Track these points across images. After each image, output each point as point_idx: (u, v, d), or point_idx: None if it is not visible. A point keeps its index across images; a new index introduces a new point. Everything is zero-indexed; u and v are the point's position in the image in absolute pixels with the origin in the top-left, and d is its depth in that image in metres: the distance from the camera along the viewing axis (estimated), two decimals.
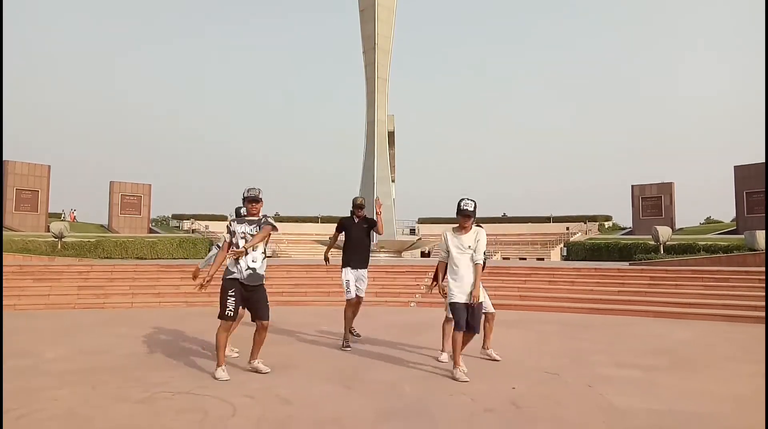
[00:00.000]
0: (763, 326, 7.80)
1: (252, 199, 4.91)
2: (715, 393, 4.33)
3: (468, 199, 4.82)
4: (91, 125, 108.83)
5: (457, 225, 4.90)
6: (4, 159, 33.39)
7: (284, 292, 11.43)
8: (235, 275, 4.77)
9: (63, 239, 24.31)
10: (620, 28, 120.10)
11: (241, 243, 4.80)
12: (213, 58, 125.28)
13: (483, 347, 5.81)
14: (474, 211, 4.79)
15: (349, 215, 6.67)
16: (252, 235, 4.83)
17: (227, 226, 5.04)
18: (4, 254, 15.05)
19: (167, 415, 3.66)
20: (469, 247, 4.78)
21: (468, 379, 4.62)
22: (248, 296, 4.83)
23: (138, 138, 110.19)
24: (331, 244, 6.92)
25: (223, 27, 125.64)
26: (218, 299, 4.81)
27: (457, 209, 4.81)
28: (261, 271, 4.88)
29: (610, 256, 25.06)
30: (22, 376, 4.70)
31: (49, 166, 36.25)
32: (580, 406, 3.94)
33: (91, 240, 26.62)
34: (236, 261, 4.75)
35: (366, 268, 6.60)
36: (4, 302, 9.45)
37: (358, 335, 6.86)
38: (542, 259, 33.24)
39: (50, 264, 13.98)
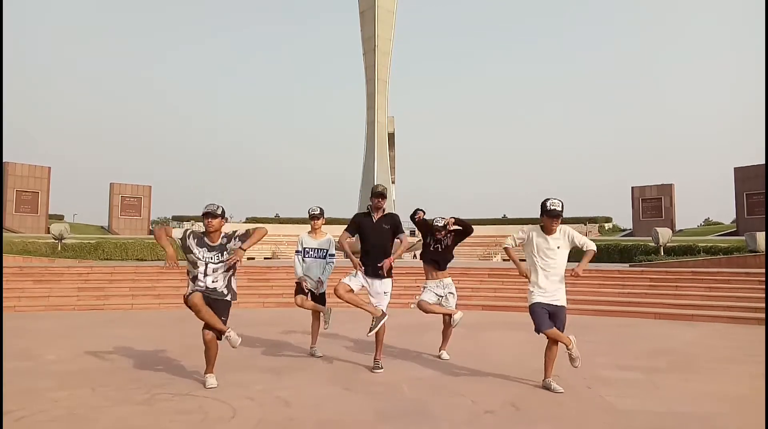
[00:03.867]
0: (763, 327, 7.79)
1: (209, 214, 4.50)
2: (716, 394, 4.33)
3: (555, 199, 4.44)
4: (91, 127, 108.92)
5: (542, 226, 4.57)
6: (4, 160, 33.41)
7: (284, 293, 11.41)
8: (198, 287, 4.48)
9: (63, 241, 24.31)
10: (621, 31, 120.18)
11: (201, 269, 4.47)
12: (214, 60, 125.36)
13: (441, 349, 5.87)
14: (562, 211, 4.42)
15: (366, 211, 5.27)
16: (219, 262, 4.51)
17: (182, 238, 4.62)
18: (4, 256, 15.04)
19: (167, 416, 3.66)
20: (558, 247, 4.52)
21: (562, 390, 4.34)
22: (210, 303, 4.51)
23: (138, 139, 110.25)
24: (348, 250, 5.13)
25: (225, 31, 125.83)
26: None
27: (543, 210, 4.45)
28: (221, 289, 4.57)
29: (610, 257, 25.01)
30: (23, 378, 4.70)
31: (50, 168, 36.28)
32: (580, 408, 3.94)
33: (91, 241, 26.60)
34: (194, 279, 4.49)
35: (386, 278, 5.12)
36: (4, 304, 9.44)
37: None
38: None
39: (50, 265, 13.97)
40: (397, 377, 4.90)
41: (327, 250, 6.00)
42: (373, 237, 5.11)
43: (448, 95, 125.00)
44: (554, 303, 4.54)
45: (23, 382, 4.53)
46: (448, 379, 4.82)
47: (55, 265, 13.97)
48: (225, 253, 4.56)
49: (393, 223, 5.19)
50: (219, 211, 4.57)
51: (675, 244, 21.82)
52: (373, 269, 5.03)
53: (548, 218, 4.46)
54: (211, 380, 4.47)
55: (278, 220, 46.64)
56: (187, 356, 5.71)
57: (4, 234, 27.67)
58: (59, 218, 39.59)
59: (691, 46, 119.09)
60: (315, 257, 5.97)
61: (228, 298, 4.64)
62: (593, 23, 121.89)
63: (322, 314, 6.02)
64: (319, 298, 6.03)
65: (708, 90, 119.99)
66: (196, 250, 4.52)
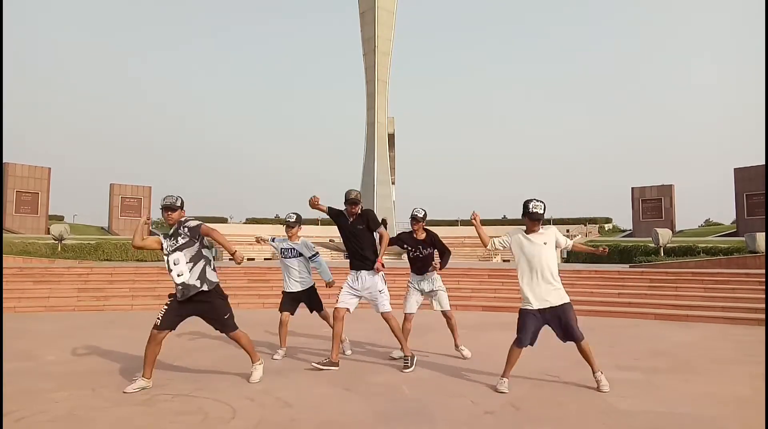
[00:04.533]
0: (763, 328, 7.79)
1: (168, 208, 4.35)
2: (716, 395, 4.32)
3: (537, 201, 4.46)
4: (91, 127, 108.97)
5: (525, 229, 4.57)
6: (4, 161, 33.43)
7: None
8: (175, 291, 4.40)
9: (63, 241, 24.32)
10: (621, 32, 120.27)
11: (167, 265, 4.38)
12: (214, 61, 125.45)
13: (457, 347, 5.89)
14: (544, 213, 4.46)
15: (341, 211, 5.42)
16: (176, 248, 4.34)
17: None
18: (4, 256, 15.04)
19: (167, 417, 3.66)
20: (545, 243, 4.48)
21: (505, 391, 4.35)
22: (193, 308, 4.41)
23: (138, 140, 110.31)
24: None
25: (225, 31, 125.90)
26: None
27: (525, 211, 4.46)
28: (192, 282, 4.34)
29: (610, 258, 25.01)
30: (22, 379, 4.70)
31: (50, 169, 36.33)
32: (580, 409, 3.94)
33: (91, 242, 26.62)
34: (169, 271, 4.36)
35: (369, 270, 5.24)
36: (4, 304, 9.44)
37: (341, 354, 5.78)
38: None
39: (50, 266, 13.97)
40: (397, 378, 4.90)
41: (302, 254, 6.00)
42: (351, 240, 5.28)
43: (448, 96, 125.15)
44: (550, 304, 4.45)
45: (23, 383, 4.53)
46: (448, 380, 4.82)
47: (55, 266, 13.97)
48: (179, 237, 4.34)
49: (365, 221, 5.26)
50: (178, 203, 4.40)
51: (675, 245, 21.85)
52: (356, 265, 5.27)
53: (530, 221, 4.46)
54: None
55: (278, 220, 46.66)
56: (187, 357, 5.71)
57: (4, 235, 27.68)
58: (59, 219, 39.63)
59: (692, 46, 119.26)
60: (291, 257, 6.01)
61: (204, 288, 4.37)
62: (593, 24, 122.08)
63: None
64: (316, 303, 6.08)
65: (708, 91, 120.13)
66: (163, 245, 4.41)
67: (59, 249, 23.54)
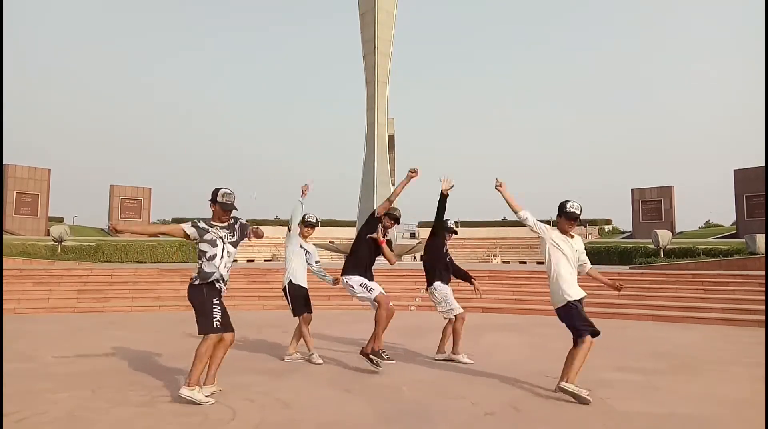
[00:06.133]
0: (763, 329, 7.79)
1: (230, 206, 4.24)
2: (716, 397, 4.33)
3: (575, 202, 4.43)
4: (91, 129, 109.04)
5: (559, 229, 4.50)
6: (4, 163, 33.44)
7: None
8: (215, 276, 4.14)
9: (63, 243, 24.32)
10: (621, 32, 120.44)
11: (219, 249, 4.15)
12: (214, 62, 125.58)
13: (453, 352, 5.67)
14: (581, 214, 4.42)
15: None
16: (231, 243, 4.24)
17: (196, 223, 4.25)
18: (4, 258, 15.04)
19: (167, 418, 3.66)
20: (577, 250, 4.49)
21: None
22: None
23: (138, 141, 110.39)
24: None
25: (225, 33, 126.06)
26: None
27: (563, 211, 4.42)
28: (227, 277, 4.29)
29: (610, 259, 25.08)
30: (23, 380, 4.69)
31: (50, 170, 36.34)
32: (580, 410, 3.94)
33: (91, 244, 26.63)
34: (210, 261, 4.10)
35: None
36: (4, 306, 9.44)
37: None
38: (542, 263, 33.18)
39: (50, 267, 13.98)
40: (397, 379, 4.89)
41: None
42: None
43: (448, 97, 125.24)
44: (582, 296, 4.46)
45: (23, 384, 4.53)
46: (448, 381, 4.82)
47: (55, 267, 13.98)
48: (235, 232, 4.29)
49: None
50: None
51: (675, 247, 21.86)
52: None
53: (570, 221, 4.44)
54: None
55: (278, 221, 46.65)
56: (187, 358, 5.68)
57: (4, 236, 27.67)
58: (59, 220, 39.61)
59: (692, 47, 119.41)
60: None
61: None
62: (593, 24, 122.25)
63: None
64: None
65: (708, 92, 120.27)
66: (211, 229, 4.19)
67: (59, 250, 23.55)
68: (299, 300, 5.66)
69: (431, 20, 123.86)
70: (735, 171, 34.46)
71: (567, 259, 4.42)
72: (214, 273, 4.13)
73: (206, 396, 4.02)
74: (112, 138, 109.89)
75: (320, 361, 5.51)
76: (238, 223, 4.37)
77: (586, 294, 4.47)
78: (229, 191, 4.25)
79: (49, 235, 26.93)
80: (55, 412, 3.77)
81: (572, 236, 4.50)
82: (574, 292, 4.37)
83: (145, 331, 7.58)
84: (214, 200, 4.21)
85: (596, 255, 26.82)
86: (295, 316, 5.70)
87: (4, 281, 10.39)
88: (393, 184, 31.58)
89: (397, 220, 5.40)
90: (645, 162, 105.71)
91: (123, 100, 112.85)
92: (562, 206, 4.47)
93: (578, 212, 4.40)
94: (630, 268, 14.86)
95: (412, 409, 3.97)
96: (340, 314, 9.98)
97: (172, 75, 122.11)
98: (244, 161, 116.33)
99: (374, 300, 5.03)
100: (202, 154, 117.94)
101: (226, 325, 4.15)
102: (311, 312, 5.77)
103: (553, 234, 4.52)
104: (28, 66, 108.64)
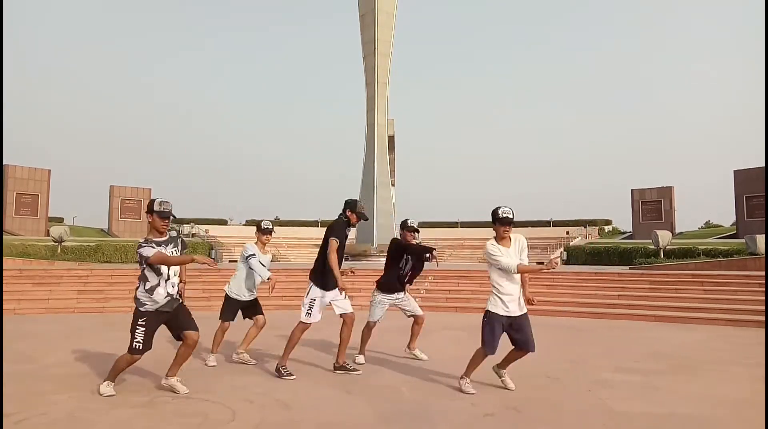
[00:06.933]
0: (763, 330, 7.79)
1: (169, 215, 4.22)
2: (716, 397, 4.33)
3: (506, 207, 4.42)
4: (91, 129, 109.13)
5: (496, 235, 4.46)
6: (4, 163, 33.46)
7: (285, 296, 11.41)
8: (149, 307, 4.18)
9: (63, 243, 24.32)
10: (621, 32, 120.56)
11: (165, 272, 4.18)
12: (214, 62, 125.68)
13: (408, 347, 6.03)
14: (513, 217, 4.42)
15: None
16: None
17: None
18: (4, 258, 15.04)
19: (166, 419, 3.66)
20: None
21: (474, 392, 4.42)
22: (167, 318, 4.30)
23: (138, 142, 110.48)
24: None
25: (225, 33, 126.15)
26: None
27: (495, 217, 4.41)
28: (175, 295, 4.30)
29: (610, 260, 25.06)
30: (22, 381, 4.70)
31: (50, 170, 36.34)
32: (580, 411, 3.94)
33: (91, 244, 26.63)
34: (152, 290, 4.15)
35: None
36: (4, 306, 9.44)
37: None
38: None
39: (50, 268, 13.97)
40: (396, 380, 4.90)
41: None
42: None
43: (448, 97, 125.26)
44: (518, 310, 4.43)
45: (23, 385, 4.53)
46: (447, 382, 4.82)
47: (55, 268, 13.97)
48: (178, 247, 4.30)
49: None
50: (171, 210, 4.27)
51: (675, 247, 21.86)
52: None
53: (502, 226, 4.38)
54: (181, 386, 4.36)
55: (278, 222, 46.69)
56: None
57: (4, 236, 27.68)
58: (59, 221, 39.61)
59: (692, 47, 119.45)
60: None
61: (177, 297, 4.32)
62: (593, 24, 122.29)
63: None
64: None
65: (708, 92, 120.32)
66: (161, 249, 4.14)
67: (59, 251, 23.54)
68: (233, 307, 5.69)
69: (431, 20, 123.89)
70: (735, 171, 34.47)
71: (499, 270, 4.42)
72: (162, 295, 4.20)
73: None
74: (112, 138, 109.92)
75: (213, 364, 5.48)
76: (180, 238, 4.41)
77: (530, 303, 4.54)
78: (165, 200, 4.24)
79: (49, 235, 26.93)
80: (55, 413, 3.77)
81: (507, 242, 4.45)
82: (500, 303, 4.49)
83: None
84: (150, 211, 4.17)
85: (596, 255, 26.82)
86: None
87: (4, 282, 10.39)
88: (393, 185, 31.62)
89: (416, 231, 5.75)
90: (645, 162, 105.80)
91: (123, 100, 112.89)
92: (494, 213, 4.46)
93: (511, 216, 4.39)
94: (630, 268, 14.86)
95: (411, 409, 3.97)
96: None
97: (172, 75, 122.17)
98: (244, 161, 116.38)
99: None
100: (202, 154, 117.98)
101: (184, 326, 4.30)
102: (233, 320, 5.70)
103: (498, 249, 4.46)
104: (28, 66, 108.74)
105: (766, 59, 20.07)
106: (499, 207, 4.43)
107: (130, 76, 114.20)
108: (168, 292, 4.19)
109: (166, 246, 4.19)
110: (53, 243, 24.48)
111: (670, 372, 5.27)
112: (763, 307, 8.82)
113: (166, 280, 4.18)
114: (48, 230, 29.64)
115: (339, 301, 5.11)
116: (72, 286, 11.30)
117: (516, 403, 4.12)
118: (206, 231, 40.38)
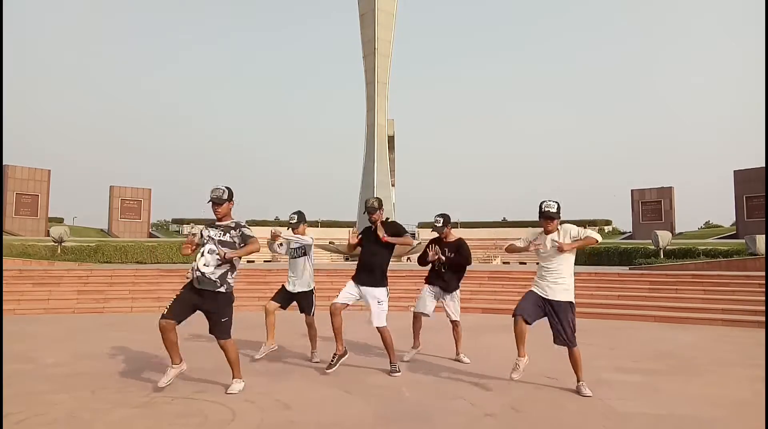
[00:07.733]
0: (763, 331, 7.79)
1: (215, 202, 4.42)
2: (716, 397, 4.33)
3: (550, 201, 4.46)
4: (91, 129, 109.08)
5: (541, 229, 4.54)
6: (4, 163, 33.45)
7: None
8: (188, 276, 4.43)
9: (63, 243, 24.31)
10: (622, 32, 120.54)
11: (202, 249, 4.37)
12: (214, 63, 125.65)
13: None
14: (557, 212, 4.45)
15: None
16: (219, 241, 4.37)
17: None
18: (4, 258, 15.04)
19: (166, 419, 3.66)
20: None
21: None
22: (201, 301, 4.36)
23: (138, 142, 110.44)
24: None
25: (225, 33, 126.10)
26: None
27: (540, 212, 4.46)
28: (213, 278, 4.30)
29: (610, 260, 25.05)
30: (22, 381, 4.70)
31: (50, 171, 36.34)
32: (580, 411, 3.94)
33: (90, 244, 26.62)
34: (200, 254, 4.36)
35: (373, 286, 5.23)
36: (4, 307, 9.44)
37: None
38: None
39: (50, 268, 13.97)
40: (396, 380, 4.90)
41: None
42: (365, 244, 5.40)
43: (448, 97, 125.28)
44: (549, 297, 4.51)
45: (23, 385, 4.53)
46: (447, 382, 4.82)
47: (55, 268, 13.97)
48: (228, 234, 4.39)
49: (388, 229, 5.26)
50: (225, 196, 4.44)
51: (675, 247, 21.85)
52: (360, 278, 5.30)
53: (544, 220, 4.48)
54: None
55: (278, 222, 46.64)
56: (186, 359, 5.69)
57: (4, 237, 27.67)
58: (59, 221, 39.61)
59: (692, 48, 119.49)
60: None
61: (222, 289, 4.33)
62: (594, 24, 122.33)
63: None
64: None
65: (708, 92, 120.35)
66: (205, 232, 4.46)
67: (59, 251, 23.52)
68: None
69: (431, 20, 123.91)
70: (735, 172, 34.47)
71: (542, 259, 4.59)
72: (193, 266, 4.38)
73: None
74: (112, 138, 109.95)
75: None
76: (240, 229, 4.46)
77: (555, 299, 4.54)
78: (217, 186, 4.50)
79: (48, 235, 26.93)
80: (55, 413, 3.77)
81: (551, 232, 4.53)
82: (538, 287, 4.70)
83: (145, 332, 7.56)
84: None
85: (596, 256, 26.78)
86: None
87: (3, 282, 10.39)
88: (393, 185, 31.61)
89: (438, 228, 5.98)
90: (645, 162, 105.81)
91: (123, 100, 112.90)
92: (539, 207, 4.53)
93: (553, 210, 4.45)
94: (630, 268, 14.85)
95: (411, 410, 3.97)
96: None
97: (172, 75, 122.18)
98: (244, 161, 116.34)
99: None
100: (202, 154, 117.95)
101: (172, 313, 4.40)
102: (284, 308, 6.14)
103: (537, 238, 4.63)
104: (28, 66, 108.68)
105: (766, 59, 20.08)
106: (544, 201, 4.51)
107: (130, 77, 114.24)
108: (198, 268, 4.31)
109: (217, 230, 4.42)
110: (53, 243, 24.47)
111: (670, 372, 5.27)
112: (763, 308, 8.81)
113: (199, 256, 4.35)
114: (48, 230, 29.65)
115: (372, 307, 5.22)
116: (72, 287, 11.30)
117: (516, 403, 4.12)
118: None
